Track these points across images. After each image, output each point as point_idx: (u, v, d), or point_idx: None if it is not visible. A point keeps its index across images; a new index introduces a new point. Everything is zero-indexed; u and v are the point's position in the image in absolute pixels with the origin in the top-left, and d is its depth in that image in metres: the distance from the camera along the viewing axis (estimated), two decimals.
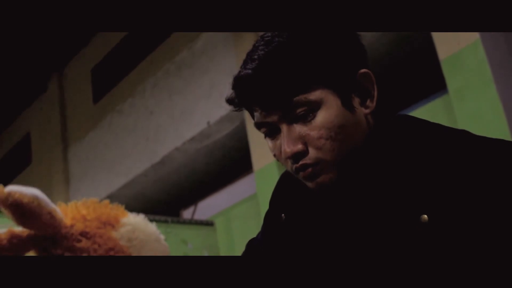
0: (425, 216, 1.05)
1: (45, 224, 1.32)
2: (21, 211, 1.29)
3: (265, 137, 1.21)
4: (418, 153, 1.12)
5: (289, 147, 1.14)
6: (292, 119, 1.14)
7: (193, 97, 8.23)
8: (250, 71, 1.15)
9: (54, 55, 11.21)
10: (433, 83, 5.96)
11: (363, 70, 1.16)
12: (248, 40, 6.78)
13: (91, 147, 10.26)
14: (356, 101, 1.16)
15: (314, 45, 1.13)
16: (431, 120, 1.21)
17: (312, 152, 1.14)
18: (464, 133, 1.13)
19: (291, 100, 1.12)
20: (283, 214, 1.32)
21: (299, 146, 1.14)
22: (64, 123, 11.17)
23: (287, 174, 1.35)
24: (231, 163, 8.76)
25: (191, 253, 6.82)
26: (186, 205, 9.81)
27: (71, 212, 1.41)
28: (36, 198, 1.30)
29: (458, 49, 5.03)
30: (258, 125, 1.19)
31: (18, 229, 1.33)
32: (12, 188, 1.30)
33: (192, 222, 7.28)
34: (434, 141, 1.12)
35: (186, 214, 9.75)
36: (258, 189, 6.58)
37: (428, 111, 5.50)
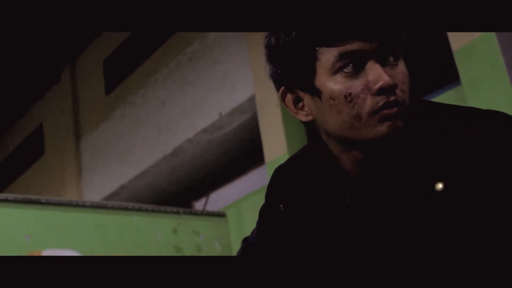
0: (440, 184, 1.07)
1: None
2: None
3: (336, 72, 1.17)
4: (434, 127, 1.15)
5: (389, 78, 1.15)
6: (382, 60, 1.17)
7: (205, 89, 8.23)
8: None
9: (67, 47, 11.24)
10: (446, 74, 5.92)
11: None
12: (260, 32, 6.76)
13: (103, 138, 10.29)
14: None
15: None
16: None
17: (399, 93, 1.16)
18: (473, 109, 1.18)
19: (397, 36, 1.20)
20: (281, 205, 1.32)
21: (396, 80, 1.16)
22: (77, 114, 11.20)
23: (281, 168, 1.39)
24: (243, 155, 8.76)
25: (202, 244, 6.83)
26: (198, 197, 9.83)
27: None
28: None
29: (471, 40, 5.00)
30: (347, 54, 1.16)
31: None
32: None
33: (204, 213, 7.29)
34: (449, 116, 1.16)
35: (198, 205, 9.76)
36: None
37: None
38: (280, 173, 1.37)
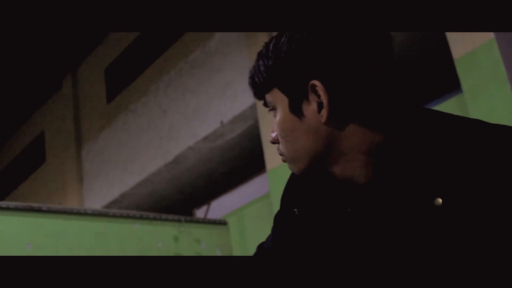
0: (439, 199, 1.07)
1: None
2: None
3: None
4: (434, 141, 1.14)
5: (270, 135, 1.29)
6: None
7: (206, 96, 8.24)
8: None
9: (68, 54, 11.27)
10: (447, 82, 5.93)
11: (312, 81, 1.17)
12: (261, 39, 6.78)
13: (104, 146, 10.30)
14: (310, 109, 1.19)
15: (275, 51, 1.21)
16: None
17: (280, 146, 1.27)
18: (478, 122, 1.16)
19: (262, 97, 1.27)
20: (296, 210, 1.33)
21: (273, 135, 1.28)
22: (78, 122, 11.22)
23: None
24: (244, 162, 8.77)
25: (204, 252, 6.83)
26: (199, 204, 9.82)
27: None
28: None
29: (472, 48, 5.00)
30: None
31: None
32: None
33: (205, 221, 7.29)
34: (449, 129, 1.15)
35: (199, 213, 9.76)
36: (271, 188, 6.58)
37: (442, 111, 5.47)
38: (295, 177, 1.38)
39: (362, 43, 1.17)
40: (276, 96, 1.23)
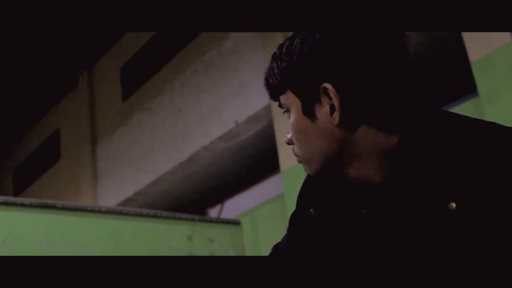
0: (453, 204, 1.06)
1: None
2: None
3: None
4: (448, 143, 1.13)
5: (285, 135, 1.31)
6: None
7: (221, 96, 8.25)
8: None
9: (85, 52, 11.32)
10: (463, 85, 5.90)
11: (324, 84, 1.18)
12: (277, 40, 6.77)
13: (119, 144, 10.34)
14: (322, 111, 1.20)
15: (288, 54, 1.23)
16: None
17: (294, 147, 1.29)
18: (494, 125, 1.15)
19: (277, 98, 1.29)
20: (311, 210, 1.33)
21: (288, 136, 1.30)
22: (93, 120, 11.27)
23: None
24: (258, 163, 8.77)
25: (217, 252, 6.83)
26: (212, 204, 9.84)
27: None
28: None
29: (489, 51, 4.97)
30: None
31: None
32: None
33: (219, 221, 7.29)
34: (464, 131, 1.14)
35: (213, 213, 9.77)
36: (285, 189, 6.58)
37: None
38: (311, 178, 1.38)
39: (374, 46, 1.17)
40: (290, 98, 1.25)
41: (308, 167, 1.27)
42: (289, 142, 1.29)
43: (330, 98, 1.18)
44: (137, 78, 10.25)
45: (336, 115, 1.18)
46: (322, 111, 1.20)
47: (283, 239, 1.45)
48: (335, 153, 1.22)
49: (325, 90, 1.18)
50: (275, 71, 1.25)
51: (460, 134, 1.13)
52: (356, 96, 1.17)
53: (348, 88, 1.17)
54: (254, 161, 8.79)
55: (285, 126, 7.06)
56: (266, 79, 1.29)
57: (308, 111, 1.22)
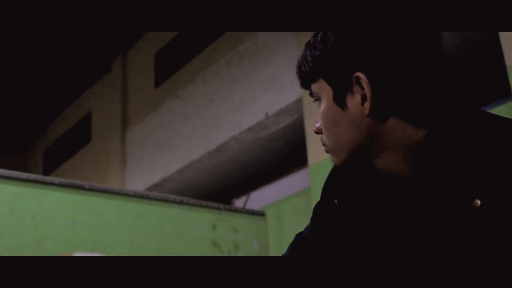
0: (478, 201, 1.06)
1: None
2: None
3: None
4: (476, 141, 1.13)
5: (314, 125, 1.31)
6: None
7: (253, 88, 8.26)
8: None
9: (120, 37, 11.39)
10: (497, 88, 5.84)
11: (357, 74, 1.18)
12: (311, 34, 6.75)
13: (149, 130, 10.41)
14: (353, 101, 1.21)
15: (322, 42, 1.23)
16: None
17: (323, 136, 1.29)
18: None
19: (308, 87, 1.29)
20: (336, 200, 1.34)
21: (317, 125, 1.30)
22: (125, 105, 11.35)
23: None
24: (287, 156, 8.77)
25: (240, 242, 6.87)
26: (238, 194, 9.86)
27: None
28: None
29: None
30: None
31: None
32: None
33: (244, 211, 7.32)
34: (493, 129, 1.14)
35: (238, 203, 9.80)
36: (312, 183, 6.57)
37: None
38: (338, 169, 1.39)
39: (409, 39, 1.18)
40: (322, 87, 1.25)
41: (336, 156, 1.27)
42: (318, 131, 1.30)
43: (362, 88, 1.18)
44: (170, 66, 10.30)
45: (367, 105, 1.18)
46: (353, 100, 1.20)
47: (306, 228, 1.46)
48: (363, 144, 1.22)
49: (358, 80, 1.18)
50: (309, 59, 1.26)
51: (490, 132, 1.13)
52: (388, 88, 1.17)
53: (381, 78, 1.17)
54: (282, 154, 8.79)
55: (315, 120, 7.02)
56: (299, 67, 1.29)
57: (339, 100, 1.22)
